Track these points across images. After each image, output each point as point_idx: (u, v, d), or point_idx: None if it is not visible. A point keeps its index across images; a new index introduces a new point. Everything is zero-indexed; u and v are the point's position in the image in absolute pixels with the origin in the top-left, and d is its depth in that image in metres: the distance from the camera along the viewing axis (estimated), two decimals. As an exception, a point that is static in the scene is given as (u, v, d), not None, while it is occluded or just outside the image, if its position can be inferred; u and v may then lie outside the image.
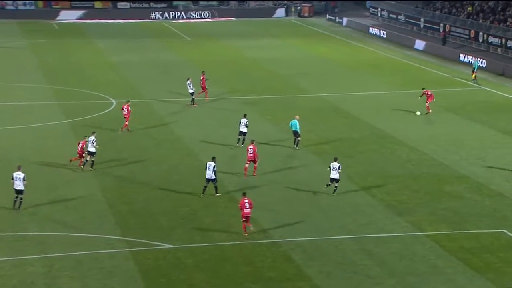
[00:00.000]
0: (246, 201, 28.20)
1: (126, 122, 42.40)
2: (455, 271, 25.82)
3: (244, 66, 64.03)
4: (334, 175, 32.27)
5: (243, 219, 28.22)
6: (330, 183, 32.46)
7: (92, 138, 35.07)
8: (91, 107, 48.49)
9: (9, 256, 26.38)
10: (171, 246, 27.63)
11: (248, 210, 28.05)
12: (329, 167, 32.45)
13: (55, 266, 25.80)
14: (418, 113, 41.84)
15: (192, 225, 29.60)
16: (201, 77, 50.11)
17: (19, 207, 30.16)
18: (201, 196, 31.96)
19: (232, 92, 53.57)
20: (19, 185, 30.16)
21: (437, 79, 58.65)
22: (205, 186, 32.07)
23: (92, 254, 26.78)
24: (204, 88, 49.96)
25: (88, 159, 35.06)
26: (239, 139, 39.28)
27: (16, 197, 30.21)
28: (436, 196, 32.87)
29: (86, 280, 24.88)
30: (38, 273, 25.29)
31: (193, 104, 48.77)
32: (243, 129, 39.20)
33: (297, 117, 39.27)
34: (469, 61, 63.05)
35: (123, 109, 42.65)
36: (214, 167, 31.74)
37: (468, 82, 56.82)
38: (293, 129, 39.01)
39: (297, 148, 38.84)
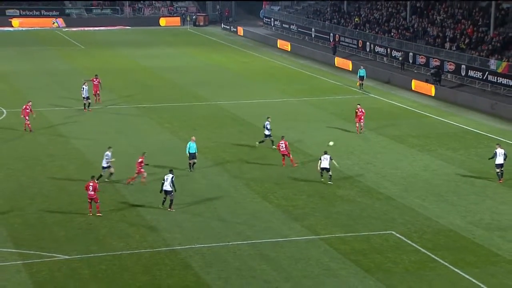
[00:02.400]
0: (91, 184, 30.30)
1: (27, 122, 41.65)
2: (348, 272, 26.44)
3: (139, 75, 63.37)
4: (325, 164, 34.74)
5: (89, 200, 30.41)
6: (322, 172, 35.07)
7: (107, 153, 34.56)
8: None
9: None
10: (66, 257, 26.88)
11: (92, 192, 30.21)
12: (320, 158, 35.01)
13: None
14: (331, 143, 38.77)
15: (88, 235, 28.94)
16: (94, 81, 49.55)
17: None
18: (161, 207, 30.99)
19: (127, 100, 52.90)
20: None
21: (329, 87, 60.10)
22: (164, 198, 31.16)
23: (-18, 268, 25.68)
24: (96, 91, 49.45)
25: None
26: (263, 141, 40.55)
27: None
28: (330, 200, 33.60)
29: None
30: None
31: (87, 109, 47.77)
32: (267, 132, 40.09)
33: (193, 138, 37.07)
34: (357, 69, 65.11)
35: (23, 111, 42.03)
36: (172, 178, 30.85)
37: (357, 89, 58.49)
38: (191, 152, 36.21)
39: (191, 170, 36.49)
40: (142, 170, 34.29)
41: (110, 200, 32.65)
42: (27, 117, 42.00)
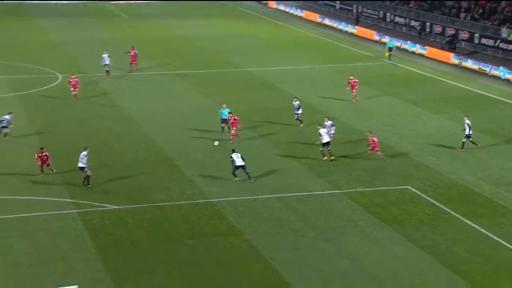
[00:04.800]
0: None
1: (74, 92, 41.43)
2: (367, 223, 26.50)
3: (176, 43, 63.29)
4: (326, 139, 32.42)
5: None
6: (322, 149, 32.45)
7: (83, 153, 28.97)
8: (37, 81, 47.11)
9: (-38, 219, 25.65)
10: (115, 207, 27.35)
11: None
12: (320, 134, 32.36)
13: (5, 227, 25.15)
14: (216, 143, 33.95)
15: (134, 188, 29.33)
16: (131, 52, 49.72)
17: None
18: (236, 179, 29.94)
19: (167, 67, 53.00)
20: None
21: (352, 55, 59.47)
22: (234, 173, 29.88)
23: (40, 216, 26.25)
24: (132, 61, 49.17)
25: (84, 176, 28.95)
26: (298, 119, 37.43)
27: None
28: (352, 158, 33.51)
29: (36, 239, 24.40)
30: (-11, 234, 24.67)
31: (108, 74, 48.02)
32: (298, 111, 37.27)
33: (224, 105, 36.28)
34: (380, 39, 64.24)
35: (70, 81, 42.10)
36: (241, 155, 29.82)
37: (378, 57, 57.77)
38: (223, 117, 35.94)
39: (222, 132, 35.76)
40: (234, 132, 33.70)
41: (154, 157, 32.98)
42: (72, 88, 41.91)
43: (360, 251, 24.22)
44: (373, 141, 33.21)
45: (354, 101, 42.93)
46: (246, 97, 44.43)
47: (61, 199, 27.76)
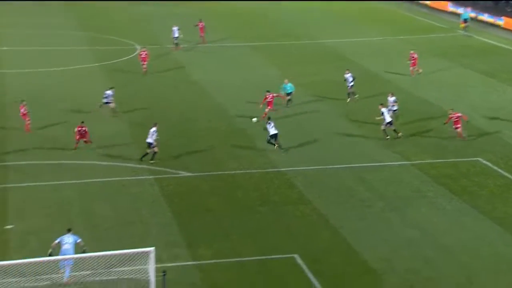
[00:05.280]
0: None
1: (144, 66, 42.02)
2: (436, 194, 26.10)
3: (250, 16, 63.27)
4: (388, 119, 30.70)
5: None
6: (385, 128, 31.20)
7: (153, 129, 28.62)
8: (118, 52, 48.26)
9: (49, 181, 26.74)
10: (190, 174, 27.97)
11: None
12: (382, 113, 30.94)
13: (87, 191, 26.19)
14: (254, 119, 32.80)
15: (208, 157, 29.86)
16: (199, 24, 50.09)
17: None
18: (276, 148, 29.76)
19: (237, 38, 53.20)
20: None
21: (425, 26, 57.93)
22: (270, 141, 29.78)
23: (120, 181, 27.16)
24: (201, 34, 49.69)
25: (148, 151, 28.69)
26: (351, 91, 36.60)
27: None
28: (421, 130, 32.90)
29: (116, 203, 25.30)
30: (73, 196, 25.70)
31: (177, 47, 48.45)
32: (350, 83, 36.45)
33: (286, 80, 36.04)
34: (455, 10, 62.24)
35: (140, 55, 42.75)
36: (274, 124, 29.90)
37: (453, 29, 56.05)
38: (288, 92, 35.66)
39: (288, 106, 35.56)
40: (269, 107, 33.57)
41: (227, 127, 33.42)
42: (142, 61, 42.47)
43: (428, 222, 23.93)
44: (457, 117, 31.28)
45: (412, 75, 41.58)
46: (318, 69, 44.19)
47: (139, 166, 28.60)
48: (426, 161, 29.20)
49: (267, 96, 33.88)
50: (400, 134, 31.53)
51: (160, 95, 38.84)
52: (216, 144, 31.21)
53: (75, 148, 29.62)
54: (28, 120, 32.05)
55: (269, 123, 30.06)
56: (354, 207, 25.17)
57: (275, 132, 29.81)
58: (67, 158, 29.06)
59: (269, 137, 29.91)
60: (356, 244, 22.37)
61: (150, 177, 27.48)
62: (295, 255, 21.46)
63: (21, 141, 30.91)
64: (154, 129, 28.72)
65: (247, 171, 28.27)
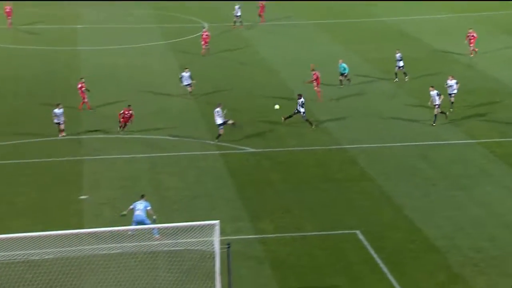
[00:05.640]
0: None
1: (205, 46, 41.67)
2: (503, 173, 25.35)
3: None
4: (437, 101, 29.47)
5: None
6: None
7: (217, 109, 28.37)
8: (185, 30, 48.70)
9: (121, 154, 27.42)
10: (252, 150, 28.13)
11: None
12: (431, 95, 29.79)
13: (157, 164, 26.75)
14: (276, 106, 30.52)
15: (270, 134, 29.92)
16: (260, 4, 49.93)
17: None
18: (313, 127, 29.95)
19: (301, 17, 52.73)
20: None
21: (491, 3, 55.88)
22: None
23: (188, 155, 27.60)
24: (261, 12, 49.59)
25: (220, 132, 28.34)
26: (401, 71, 36.07)
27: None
28: (488, 108, 31.92)
29: (183, 176, 25.75)
30: (144, 169, 26.29)
31: (237, 25, 48.42)
32: (400, 63, 35.93)
33: (341, 60, 35.60)
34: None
35: (202, 35, 42.64)
36: (302, 102, 29.89)
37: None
38: (342, 72, 35.23)
39: (341, 86, 35.18)
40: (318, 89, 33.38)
41: (290, 103, 33.31)
42: (203, 42, 42.45)
43: (494, 200, 23.32)
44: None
45: (471, 55, 40.11)
46: (381, 46, 43.39)
47: (205, 141, 28.97)
48: (493, 139, 28.34)
49: (314, 75, 33.40)
50: (448, 113, 30.43)
51: (227, 73, 39.01)
52: (280, 121, 31.19)
53: (121, 130, 28.99)
54: (85, 97, 31.97)
55: (300, 100, 29.84)
56: (417, 185, 24.75)
57: (302, 110, 29.65)
58: (139, 133, 29.71)
59: (297, 113, 29.79)
60: (419, 221, 22.03)
61: (216, 152, 27.81)
62: (357, 231, 21.34)
63: (94, 115, 31.76)
64: (218, 109, 28.55)
65: (310, 148, 28.19)
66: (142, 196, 20.77)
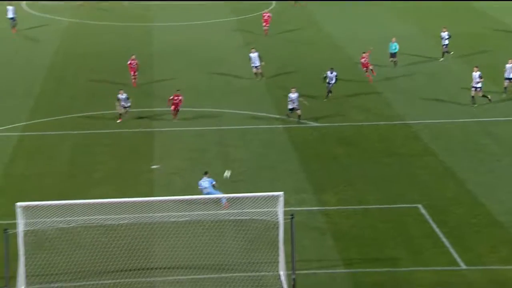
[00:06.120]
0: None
1: (266, 27, 41.64)
2: None
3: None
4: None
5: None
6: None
7: (293, 95, 27.80)
8: (255, 5, 48.52)
9: (190, 127, 27.86)
10: (316, 124, 28.08)
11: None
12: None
13: (225, 136, 27.10)
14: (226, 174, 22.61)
15: (336, 108, 29.73)
16: None
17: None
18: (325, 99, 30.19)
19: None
20: None
21: None
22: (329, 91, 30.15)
23: (253, 129, 27.83)
24: None
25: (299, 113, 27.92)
26: (446, 51, 35.30)
27: None
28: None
29: (249, 149, 26.02)
30: (211, 141, 26.70)
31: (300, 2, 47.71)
32: (445, 41, 35.14)
33: (394, 39, 34.66)
34: None
35: (263, 16, 42.27)
36: (336, 75, 29.99)
37: None
38: (392, 51, 34.35)
39: (395, 67, 34.22)
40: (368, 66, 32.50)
41: (358, 78, 32.96)
42: (265, 23, 41.61)
43: (560, 178, 22.52)
44: None
45: None
46: (450, 23, 42.05)
47: (270, 115, 29.09)
48: (560, 116, 27.28)
49: (364, 56, 32.43)
50: (490, 97, 29.05)
51: (292, 50, 38.83)
52: (343, 96, 30.93)
53: (174, 118, 27.97)
54: (135, 74, 31.73)
55: (331, 71, 29.81)
56: (481, 160, 24.17)
57: (333, 81, 29.77)
58: (207, 107, 30.12)
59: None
60: (483, 196, 21.57)
61: (280, 126, 27.91)
62: (419, 205, 21.11)
63: (165, 88, 32.30)
64: (296, 95, 27.76)
65: (374, 123, 27.90)
66: (206, 173, 20.99)
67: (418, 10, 46.36)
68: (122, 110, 27.89)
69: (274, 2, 49.04)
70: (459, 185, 22.49)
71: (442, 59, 35.48)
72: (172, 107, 28.30)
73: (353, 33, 41.44)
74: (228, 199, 19.72)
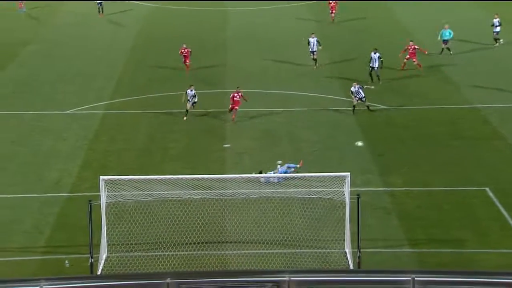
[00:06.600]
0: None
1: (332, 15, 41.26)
2: None
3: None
4: None
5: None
6: None
7: (356, 88, 26.83)
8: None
9: (258, 108, 28.16)
10: (384, 107, 27.77)
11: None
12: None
13: (293, 118, 27.25)
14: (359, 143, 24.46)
15: (401, 91, 29.28)
16: None
17: None
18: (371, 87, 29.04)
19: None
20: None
21: None
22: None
23: (321, 111, 27.81)
24: None
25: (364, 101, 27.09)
26: (497, 38, 34.60)
27: None
28: None
29: (317, 130, 26.07)
30: (280, 122, 26.90)
31: None
32: (496, 28, 34.38)
33: (447, 26, 33.80)
34: None
35: (330, 3, 41.82)
36: (379, 56, 29.47)
37: None
38: (444, 39, 33.33)
39: (451, 53, 33.26)
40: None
41: (423, 64, 32.26)
42: (331, 11, 41.22)
43: None
44: None
45: None
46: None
47: (337, 97, 28.99)
48: None
49: (410, 47, 31.32)
50: None
51: (359, 33, 38.34)
52: (411, 79, 30.40)
53: (233, 119, 26.41)
54: (187, 60, 31.89)
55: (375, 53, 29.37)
56: (552, 145, 23.35)
57: (376, 65, 29.42)
58: (276, 89, 30.28)
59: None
60: (552, 182, 20.87)
61: (348, 108, 27.76)
62: (486, 188, 20.67)
63: (235, 73, 32.66)
64: (357, 87, 26.97)
65: (442, 106, 27.36)
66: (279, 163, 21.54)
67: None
68: (189, 107, 26.74)
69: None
70: (528, 169, 21.86)
71: (496, 44, 34.49)
72: (231, 106, 26.49)
73: (423, 20, 40.43)
74: (296, 179, 19.90)
